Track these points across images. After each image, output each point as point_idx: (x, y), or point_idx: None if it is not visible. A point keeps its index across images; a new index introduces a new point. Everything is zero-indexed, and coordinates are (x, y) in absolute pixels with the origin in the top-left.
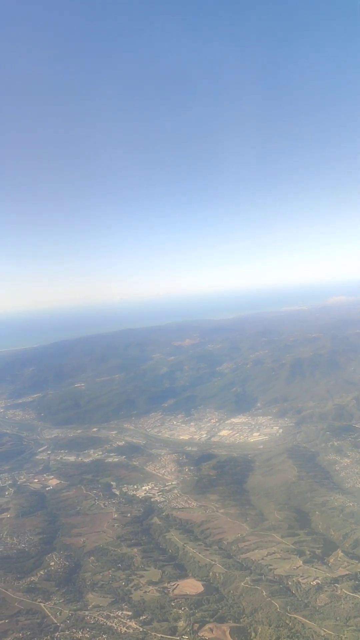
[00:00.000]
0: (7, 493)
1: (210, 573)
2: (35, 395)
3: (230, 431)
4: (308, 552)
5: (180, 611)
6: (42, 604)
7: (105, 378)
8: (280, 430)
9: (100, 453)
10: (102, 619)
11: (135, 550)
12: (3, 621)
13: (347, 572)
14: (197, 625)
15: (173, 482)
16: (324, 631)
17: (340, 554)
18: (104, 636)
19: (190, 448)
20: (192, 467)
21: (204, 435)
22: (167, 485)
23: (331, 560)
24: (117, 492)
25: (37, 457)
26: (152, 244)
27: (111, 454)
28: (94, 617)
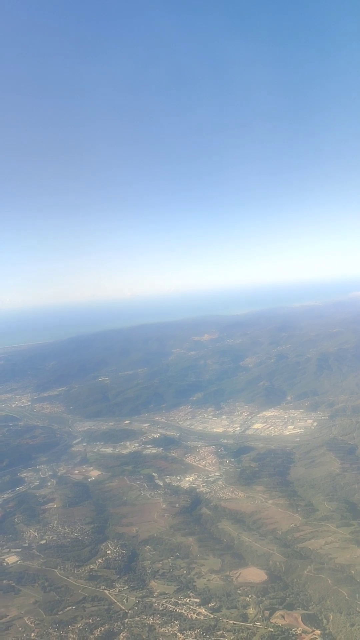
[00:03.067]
0: (49, 484)
1: (270, 562)
2: (60, 389)
3: (264, 424)
4: None
5: (247, 599)
6: (106, 591)
7: (129, 372)
8: (315, 424)
9: (137, 445)
10: (170, 605)
11: (191, 539)
12: (70, 608)
13: None
14: (267, 612)
15: (216, 474)
16: None
17: None
18: (176, 622)
19: (226, 441)
20: (232, 459)
21: (238, 428)
22: (211, 477)
23: None
24: (161, 483)
25: (72, 449)
26: (162, 240)
27: (148, 446)
28: (162, 604)
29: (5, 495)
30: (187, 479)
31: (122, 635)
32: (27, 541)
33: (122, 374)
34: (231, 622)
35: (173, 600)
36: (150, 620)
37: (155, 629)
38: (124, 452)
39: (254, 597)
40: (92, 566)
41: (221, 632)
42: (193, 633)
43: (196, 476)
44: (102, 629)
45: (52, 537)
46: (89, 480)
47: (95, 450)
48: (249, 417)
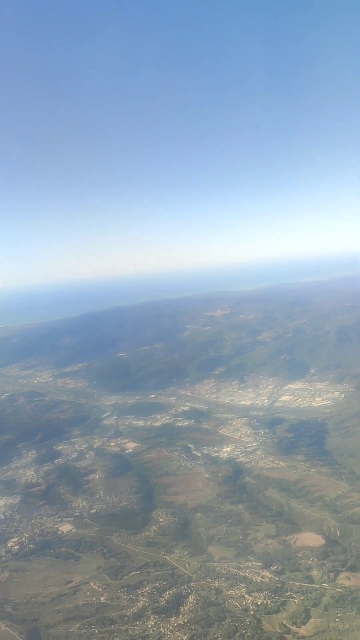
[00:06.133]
0: (87, 456)
1: (324, 527)
2: (80, 365)
3: (291, 397)
4: None
5: (309, 562)
6: (166, 557)
7: (146, 348)
8: (342, 395)
9: (168, 418)
10: (233, 569)
11: (240, 507)
12: (134, 572)
13: None
14: (332, 574)
15: (253, 444)
16: None
17: None
18: (242, 585)
19: (255, 413)
20: (266, 430)
21: (265, 400)
22: (248, 447)
23: None
24: (199, 454)
25: (103, 422)
26: (164, 217)
27: (179, 419)
28: (225, 568)
29: (45, 468)
30: (224, 449)
31: (191, 597)
32: (77, 510)
33: (140, 349)
34: (297, 583)
35: (234, 564)
36: (216, 584)
37: (222, 591)
38: (156, 424)
39: (315, 560)
40: (147, 533)
41: (289, 593)
42: (261, 595)
43: (233, 447)
44: (170, 592)
45: (102, 506)
46: (126, 452)
47: (127, 423)
48: (275, 390)
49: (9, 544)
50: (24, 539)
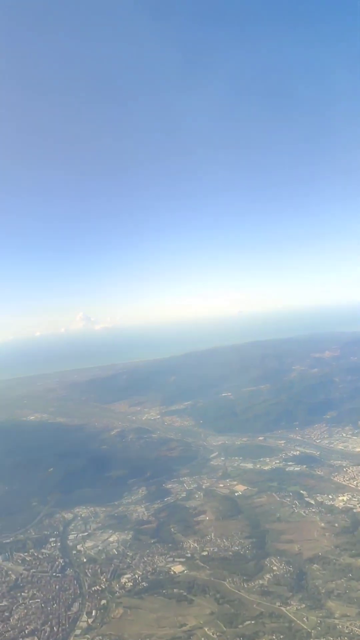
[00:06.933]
0: (196, 496)
1: None
2: (186, 403)
3: None
4: None
5: None
6: (282, 608)
7: (252, 388)
8: None
9: (278, 462)
10: (357, 628)
11: None
12: (249, 622)
13: None
14: None
15: None
16: None
17: None
18: None
19: None
20: None
21: None
22: None
23: None
24: (312, 502)
25: (211, 462)
26: (266, 254)
27: (289, 463)
28: (347, 627)
29: (156, 505)
30: (340, 498)
31: None
32: (188, 551)
33: (245, 389)
34: None
35: (358, 623)
36: None
37: None
38: (265, 468)
39: None
40: (261, 581)
41: None
42: None
43: (350, 496)
44: None
45: (213, 549)
46: (236, 494)
47: (235, 465)
48: None
49: (122, 580)
50: (137, 576)
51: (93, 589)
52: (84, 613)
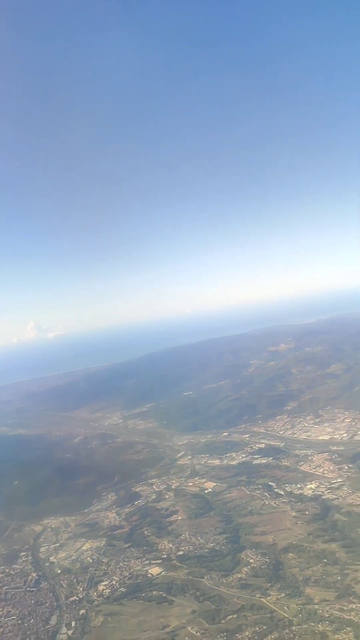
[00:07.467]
0: (167, 497)
1: None
2: (148, 405)
3: None
4: None
5: None
6: (263, 599)
7: (212, 385)
8: None
9: (244, 456)
10: (337, 612)
11: (334, 545)
12: (232, 616)
13: None
14: None
15: (338, 480)
16: None
17: None
18: (348, 629)
19: (336, 448)
20: (350, 465)
21: (344, 434)
22: (334, 483)
23: None
24: (282, 492)
25: (179, 462)
26: (217, 253)
27: (255, 456)
28: (327, 611)
29: (126, 510)
30: (308, 486)
31: None
32: (164, 552)
33: (205, 387)
34: None
35: (337, 607)
36: (320, 627)
37: (328, 636)
38: (233, 463)
39: None
40: (239, 575)
41: None
42: None
43: (318, 484)
44: (272, 636)
45: (189, 548)
46: (206, 491)
47: (202, 462)
48: (353, 423)
49: (100, 588)
50: (114, 582)
51: (70, 599)
52: (63, 625)
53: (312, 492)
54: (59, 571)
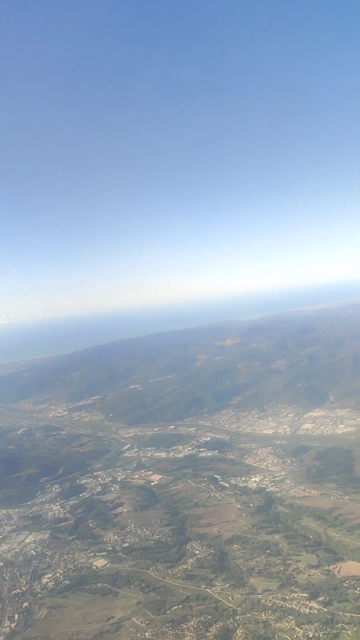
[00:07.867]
0: (112, 489)
1: None
2: (94, 398)
3: (313, 424)
4: None
5: (357, 592)
6: (208, 590)
7: (159, 379)
8: None
9: (190, 449)
10: (279, 601)
11: (277, 537)
12: (177, 607)
13: None
14: None
15: (281, 473)
16: None
17: None
18: (290, 617)
19: (279, 441)
20: (293, 459)
21: (287, 429)
22: (277, 477)
23: None
24: (227, 485)
25: (124, 455)
26: (165, 249)
27: (202, 449)
28: (270, 600)
29: (71, 502)
30: (252, 479)
31: (238, 631)
32: (109, 545)
33: (153, 380)
34: (348, 614)
35: (280, 596)
36: (263, 616)
37: (270, 624)
38: (179, 456)
39: None
40: (184, 566)
41: (340, 625)
42: (312, 627)
43: (261, 477)
44: (217, 626)
45: (134, 540)
46: (152, 484)
47: (149, 455)
48: (296, 418)
49: (44, 580)
50: (58, 575)
51: (13, 592)
52: (6, 618)
53: (257, 484)
54: (1, 564)
